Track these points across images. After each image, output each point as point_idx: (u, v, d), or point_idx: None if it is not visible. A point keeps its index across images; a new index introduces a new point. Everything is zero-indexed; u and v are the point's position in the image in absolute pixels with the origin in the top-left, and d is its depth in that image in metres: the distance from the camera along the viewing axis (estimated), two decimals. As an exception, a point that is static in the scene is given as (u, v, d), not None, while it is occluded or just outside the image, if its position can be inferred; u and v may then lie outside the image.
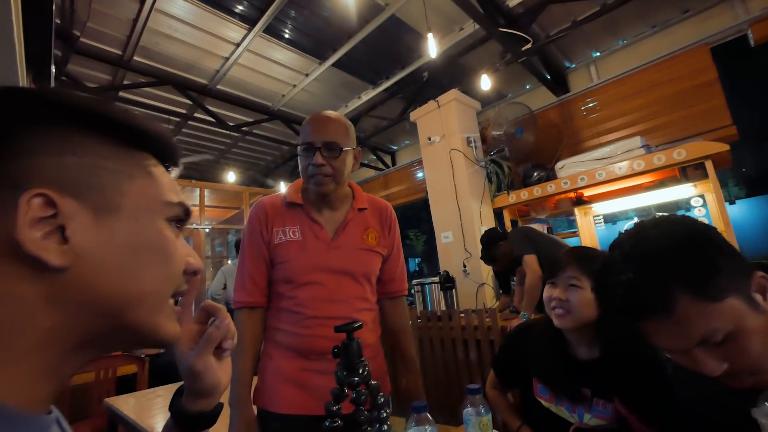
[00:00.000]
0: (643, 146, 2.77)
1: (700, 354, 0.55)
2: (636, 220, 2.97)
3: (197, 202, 5.09)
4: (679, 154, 2.50)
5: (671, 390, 0.87)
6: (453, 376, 2.48)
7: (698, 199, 2.78)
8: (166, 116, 4.11)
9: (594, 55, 3.68)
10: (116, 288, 0.33)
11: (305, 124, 1.02)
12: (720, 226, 2.49)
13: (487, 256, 2.61)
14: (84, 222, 0.32)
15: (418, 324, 2.77)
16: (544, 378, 1.03)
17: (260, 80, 3.83)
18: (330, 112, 1.04)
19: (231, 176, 5.18)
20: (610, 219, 3.36)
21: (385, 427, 0.66)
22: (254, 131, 4.72)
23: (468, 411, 0.83)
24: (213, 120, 4.16)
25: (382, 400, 0.68)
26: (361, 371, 0.67)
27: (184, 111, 4.15)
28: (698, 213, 2.73)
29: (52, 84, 2.67)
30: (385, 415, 0.68)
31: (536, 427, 1.02)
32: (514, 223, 3.56)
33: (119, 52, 3.25)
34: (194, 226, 4.99)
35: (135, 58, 3.31)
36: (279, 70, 3.70)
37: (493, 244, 2.57)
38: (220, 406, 0.51)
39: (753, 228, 4.54)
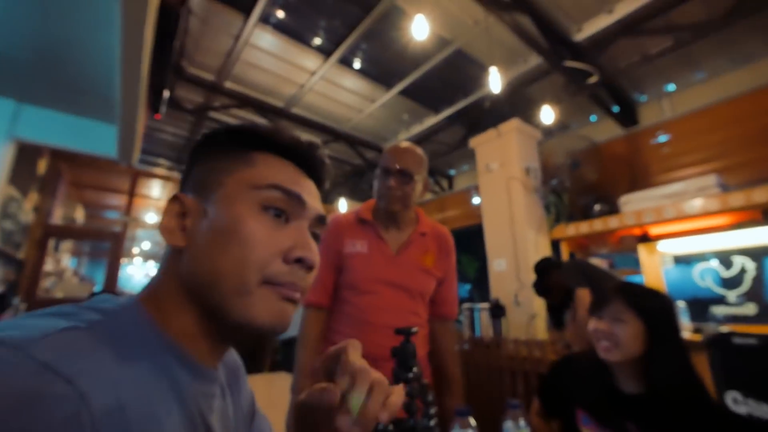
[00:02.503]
0: (718, 185, 2.60)
1: None
2: (715, 262, 2.75)
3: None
4: (761, 195, 2.32)
5: (723, 430, 0.86)
6: (497, 406, 2.44)
7: (786, 245, 2.54)
8: (245, 134, 4.57)
9: (668, 89, 3.53)
10: (202, 267, 0.38)
11: (385, 152, 1.18)
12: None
13: (539, 285, 2.57)
14: (196, 213, 0.40)
15: (465, 349, 2.77)
16: (589, 409, 1.04)
17: (330, 105, 4.16)
18: (409, 144, 1.19)
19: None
20: (683, 260, 3.13)
21: (433, 421, 0.75)
22: (320, 151, 5.06)
23: (508, 424, 0.88)
24: (285, 139, 4.57)
25: (431, 398, 0.77)
26: (414, 369, 0.77)
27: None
28: (785, 261, 2.49)
29: (163, 106, 3.15)
30: (433, 411, 0.76)
31: (578, 455, 1.04)
32: (571, 255, 3.45)
33: (213, 79, 3.73)
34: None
35: (226, 83, 3.78)
36: (348, 97, 4.01)
37: (546, 273, 2.52)
38: None
39: None
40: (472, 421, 0.83)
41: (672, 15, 2.71)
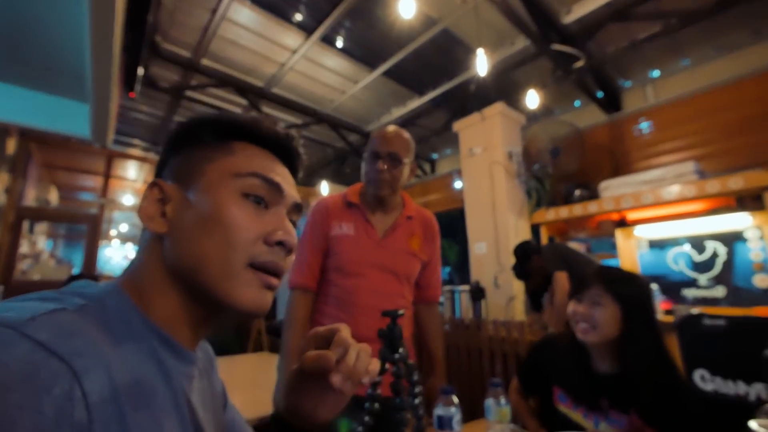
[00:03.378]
0: (696, 172, 2.67)
1: None
2: (687, 246, 2.86)
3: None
4: (736, 183, 2.39)
5: (690, 406, 0.92)
6: (477, 385, 2.52)
7: (754, 230, 2.63)
8: (226, 115, 4.46)
9: (652, 75, 3.57)
10: (185, 252, 0.39)
11: (374, 135, 1.18)
12: (777, 261, 2.36)
13: (520, 270, 2.62)
14: (177, 200, 0.41)
15: (446, 330, 2.83)
16: (565, 387, 1.09)
17: (312, 85, 4.05)
18: (396, 128, 1.19)
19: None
20: (658, 244, 3.23)
21: (418, 399, 0.77)
22: (302, 133, 4.98)
23: (489, 401, 0.92)
24: (267, 120, 4.46)
25: (417, 377, 0.79)
26: (401, 350, 0.78)
27: (240, 111, 4.48)
28: (753, 245, 2.59)
29: (138, 85, 3.02)
30: (418, 390, 0.78)
31: (552, 429, 1.08)
32: (551, 239, 3.53)
33: (190, 56, 3.58)
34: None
35: (203, 61, 3.63)
36: (330, 77, 3.91)
37: (526, 258, 2.57)
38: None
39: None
40: (455, 399, 0.85)
41: (662, 1, 2.71)
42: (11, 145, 3.77)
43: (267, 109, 4.40)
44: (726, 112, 2.94)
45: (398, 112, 4.45)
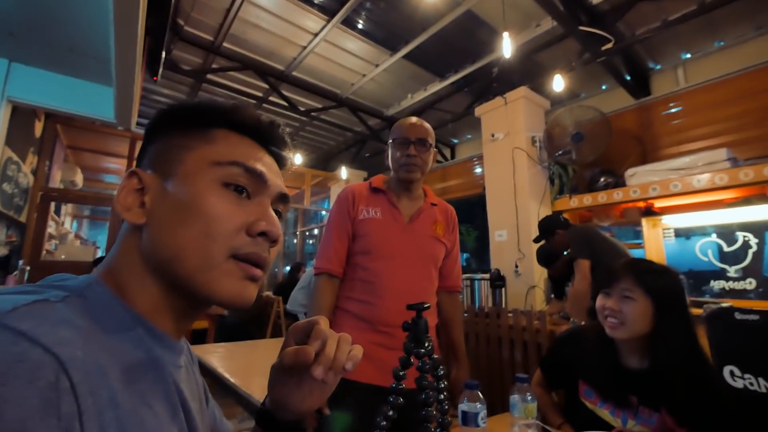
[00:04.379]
0: (728, 159, 2.56)
1: None
2: (715, 237, 2.76)
3: (264, 180, 5.50)
4: (772, 171, 2.29)
5: (723, 405, 0.89)
6: (496, 374, 2.53)
7: (790, 221, 2.53)
8: (245, 98, 4.46)
9: (684, 57, 3.40)
10: (164, 243, 0.38)
11: (398, 125, 1.21)
12: (812, 254, 2.27)
13: (541, 249, 2.56)
14: (155, 189, 0.39)
15: (466, 318, 2.82)
16: (592, 382, 1.07)
17: (333, 69, 4.01)
18: (417, 119, 1.23)
19: (298, 158, 5.50)
20: (684, 233, 3.13)
21: (443, 395, 0.77)
22: (321, 117, 4.96)
23: (515, 397, 0.91)
24: (286, 104, 4.45)
25: (442, 372, 0.79)
26: (426, 345, 0.78)
27: (260, 94, 4.47)
28: (788, 237, 2.49)
29: (161, 67, 3.04)
30: (443, 385, 0.78)
31: (578, 426, 1.06)
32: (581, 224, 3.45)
33: (211, 39, 3.58)
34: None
35: (224, 44, 3.63)
36: (351, 60, 3.86)
37: (550, 232, 2.46)
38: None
39: None
40: (480, 395, 0.85)
41: (698, -24, 2.56)
42: (38, 128, 3.87)
43: (287, 93, 4.38)
44: (762, 96, 2.78)
45: (419, 95, 4.38)
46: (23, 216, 3.68)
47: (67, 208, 6.13)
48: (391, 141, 1.21)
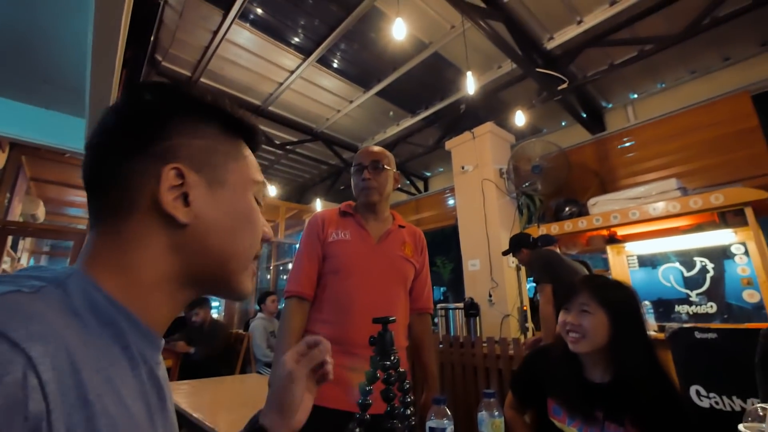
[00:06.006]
0: (678, 188, 2.76)
1: None
2: (678, 264, 2.90)
3: (238, 213, 5.43)
4: (717, 198, 2.48)
5: (685, 414, 0.92)
6: (473, 403, 2.49)
7: (739, 246, 2.70)
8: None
9: (632, 97, 3.73)
10: (221, 244, 0.41)
11: (357, 153, 1.29)
12: (761, 276, 2.42)
13: (512, 239, 2.77)
14: (201, 191, 0.40)
15: (441, 348, 2.80)
16: (559, 398, 1.08)
17: (308, 104, 4.14)
18: (376, 146, 1.31)
19: (272, 190, 5.50)
20: (648, 261, 3.24)
21: (410, 410, 0.76)
22: (297, 150, 5.04)
23: (483, 414, 0.91)
24: (263, 138, 4.52)
25: (408, 386, 0.79)
26: (392, 358, 0.78)
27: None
28: (739, 261, 2.65)
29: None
30: (410, 399, 0.78)
31: (549, 446, 1.07)
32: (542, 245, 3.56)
33: (189, 74, 3.64)
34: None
35: (201, 79, 3.70)
36: (326, 96, 4.00)
37: (517, 248, 2.71)
38: None
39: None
40: (447, 411, 0.84)
41: (636, 27, 2.88)
42: (1, 159, 3.74)
43: (264, 127, 4.45)
44: (701, 131, 3.07)
45: (392, 130, 4.55)
46: (-25, 251, 3.47)
47: (25, 243, 5.80)
48: (351, 170, 1.29)
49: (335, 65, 3.56)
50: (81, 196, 5.54)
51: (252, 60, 3.46)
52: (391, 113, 4.26)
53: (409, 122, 4.34)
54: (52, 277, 0.34)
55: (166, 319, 0.41)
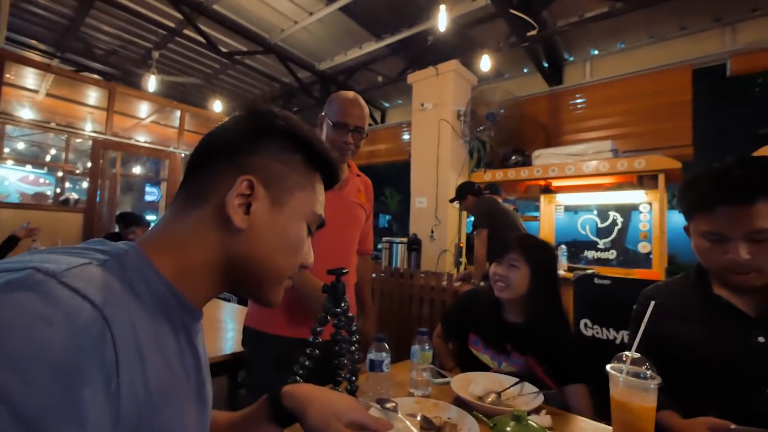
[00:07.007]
0: (612, 150, 3.00)
1: (741, 243, 0.78)
2: (595, 213, 3.28)
3: (177, 125, 4.97)
4: (639, 163, 2.75)
5: (572, 351, 1.15)
6: (406, 327, 2.79)
7: (646, 205, 3.08)
8: (153, 26, 3.90)
9: (593, 53, 3.79)
10: (264, 258, 0.47)
11: (338, 101, 1.19)
12: (656, 232, 2.83)
13: (460, 187, 3.03)
14: (263, 206, 0.46)
15: (382, 278, 3.03)
16: (480, 332, 1.28)
17: (261, 9, 3.67)
18: (355, 95, 1.22)
19: (218, 105, 5.05)
20: (572, 209, 3.65)
21: (355, 346, 0.87)
22: (246, 61, 4.57)
23: (415, 347, 1.06)
24: (203, 41, 4.00)
25: (355, 327, 0.88)
26: (343, 305, 0.86)
27: (173, 25, 3.94)
28: (643, 218, 3.04)
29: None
30: (356, 338, 0.88)
31: (465, 369, 1.29)
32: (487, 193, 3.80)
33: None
34: (171, 149, 4.89)
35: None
36: (282, 3, 3.56)
37: (463, 195, 2.95)
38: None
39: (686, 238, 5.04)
40: (386, 346, 0.97)
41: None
42: None
43: (206, 28, 3.92)
44: (643, 98, 3.28)
45: (353, 53, 4.25)
46: None
47: None
48: (327, 119, 1.19)
49: (295, -33, 3.13)
50: None
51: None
52: (345, 37, 3.93)
53: (372, 47, 4.06)
54: (114, 252, 0.41)
55: (207, 296, 0.48)
